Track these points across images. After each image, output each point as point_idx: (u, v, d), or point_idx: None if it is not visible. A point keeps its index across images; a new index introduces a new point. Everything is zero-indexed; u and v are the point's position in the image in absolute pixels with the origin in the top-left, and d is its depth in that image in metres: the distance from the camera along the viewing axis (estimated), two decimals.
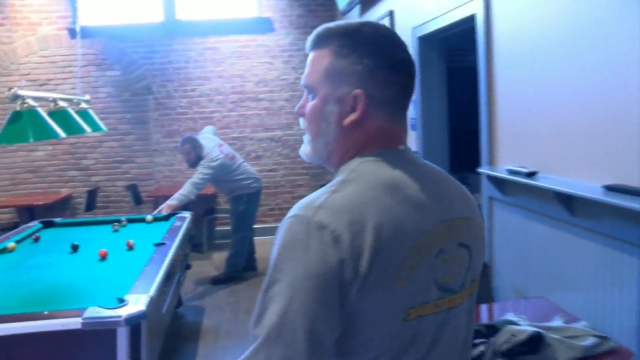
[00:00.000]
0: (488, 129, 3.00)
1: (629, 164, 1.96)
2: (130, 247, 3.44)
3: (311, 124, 1.07)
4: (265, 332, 0.87)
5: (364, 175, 0.98)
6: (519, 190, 2.71)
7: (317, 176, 7.19)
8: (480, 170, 2.94)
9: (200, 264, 5.94)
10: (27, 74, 6.60)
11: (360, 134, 1.02)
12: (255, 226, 5.66)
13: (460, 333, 1.04)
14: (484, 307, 2.63)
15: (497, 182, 2.86)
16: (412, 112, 4.22)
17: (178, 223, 4.04)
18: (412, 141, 4.26)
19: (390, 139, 1.04)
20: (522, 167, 2.56)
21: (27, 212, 6.33)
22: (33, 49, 6.62)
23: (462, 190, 1.09)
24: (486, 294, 2.83)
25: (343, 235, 0.88)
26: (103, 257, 3.22)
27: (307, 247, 0.88)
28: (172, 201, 4.73)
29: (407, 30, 4.14)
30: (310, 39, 1.08)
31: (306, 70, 1.08)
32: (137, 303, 2.32)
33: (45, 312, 2.26)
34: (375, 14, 5.07)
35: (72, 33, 6.36)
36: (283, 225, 0.93)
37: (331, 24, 1.05)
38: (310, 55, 1.08)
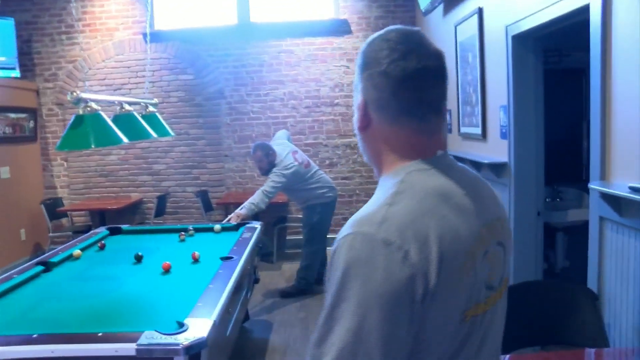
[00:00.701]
0: (601, 139, 2.56)
1: None
2: (196, 260, 3.22)
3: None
4: (336, 352, 0.88)
5: (414, 186, 1.00)
6: None
7: None
8: (592, 186, 2.51)
9: (269, 274, 5.72)
10: (103, 79, 6.63)
11: (382, 141, 1.07)
12: (328, 236, 5.38)
13: (500, 328, 1.10)
14: (591, 352, 2.22)
15: (613, 200, 2.43)
16: (504, 118, 3.81)
17: (247, 234, 3.80)
18: (503, 151, 3.84)
19: (422, 146, 1.05)
20: None
21: (99, 216, 6.33)
22: (109, 54, 6.64)
23: (492, 191, 1.14)
24: (597, 334, 2.39)
25: (410, 251, 0.89)
26: (166, 270, 3.01)
27: (374, 265, 0.89)
28: (242, 210, 4.51)
29: (499, 29, 3.74)
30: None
31: None
32: (198, 329, 2.06)
33: (100, 334, 2.06)
34: (460, 13, 4.68)
35: (147, 37, 6.33)
36: (342, 243, 0.92)
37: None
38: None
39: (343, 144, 6.76)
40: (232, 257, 3.13)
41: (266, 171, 4.86)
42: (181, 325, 2.10)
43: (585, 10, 2.63)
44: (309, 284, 5.10)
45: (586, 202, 4.51)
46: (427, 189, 0.99)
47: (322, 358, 0.88)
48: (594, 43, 2.56)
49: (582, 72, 4.56)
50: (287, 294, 5.03)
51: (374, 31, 6.24)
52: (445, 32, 5.19)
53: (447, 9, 5.12)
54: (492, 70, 4.01)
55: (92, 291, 2.71)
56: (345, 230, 0.95)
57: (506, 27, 3.61)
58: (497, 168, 3.89)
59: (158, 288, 2.77)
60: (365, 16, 6.60)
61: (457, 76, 4.88)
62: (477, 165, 4.29)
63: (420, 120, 1.03)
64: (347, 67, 6.64)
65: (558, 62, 4.76)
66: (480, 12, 4.14)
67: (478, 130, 4.38)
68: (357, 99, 1.09)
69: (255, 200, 4.63)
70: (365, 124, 1.08)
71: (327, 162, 6.73)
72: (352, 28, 6.61)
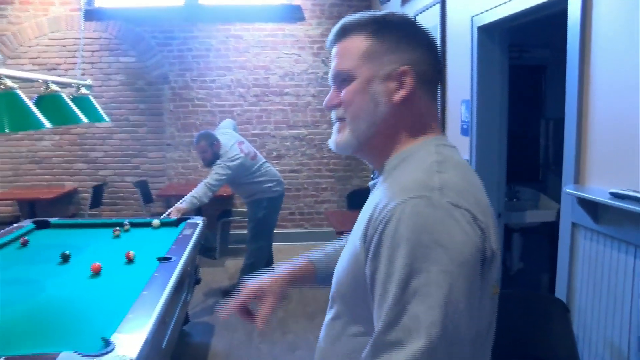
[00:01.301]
0: (577, 140, 2.40)
1: None
2: (130, 260, 2.88)
3: (353, 107, 1.04)
4: (425, 331, 0.79)
5: (451, 158, 0.99)
6: (625, 220, 2.10)
7: (344, 180, 6.63)
8: (567, 190, 2.34)
9: (211, 271, 5.41)
10: (36, 57, 6.10)
11: (410, 113, 1.03)
12: (274, 232, 5.13)
13: None
14: None
15: (590, 206, 2.26)
16: (466, 114, 3.63)
17: (188, 231, 3.48)
18: (464, 148, 3.66)
19: (436, 120, 1.08)
20: (637, 191, 1.96)
21: (29, 207, 5.83)
22: (43, 30, 6.10)
23: None
24: (568, 349, 2.22)
25: (477, 215, 0.88)
26: (96, 273, 2.67)
27: (450, 229, 0.84)
28: (182, 204, 4.18)
29: (464, 20, 3.54)
30: (334, 32, 1.09)
31: (335, 61, 1.08)
32: (127, 347, 1.76)
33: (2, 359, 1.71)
34: (421, 2, 4.47)
35: (87, 14, 5.86)
36: (401, 211, 0.86)
37: (353, 16, 1.07)
38: (337, 47, 1.08)
39: (292, 135, 6.49)
40: (170, 258, 2.81)
41: (210, 162, 4.54)
42: (107, 343, 1.78)
43: (561, 1, 2.44)
44: None
45: (544, 203, 4.41)
46: (459, 162, 1.01)
47: (407, 341, 0.80)
48: (572, 36, 2.38)
49: (543, 69, 4.44)
50: (230, 294, 4.72)
51: (328, 19, 6.01)
52: None
53: None
54: (455, 63, 3.82)
55: (7, 299, 2.34)
56: (397, 197, 0.88)
57: (472, 17, 3.42)
58: None
59: (84, 294, 2.42)
60: (319, 3, 6.33)
61: None
62: None
63: (434, 97, 1.08)
64: (299, 55, 6.36)
65: (518, 58, 4.62)
66: (443, 1, 3.94)
67: None
68: (382, 66, 1.02)
69: (197, 193, 4.31)
70: (406, 96, 1.02)
71: (275, 154, 6.45)
72: (305, 15, 6.33)
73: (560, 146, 4.57)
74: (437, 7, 4.00)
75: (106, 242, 3.37)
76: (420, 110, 1.05)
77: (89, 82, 3.44)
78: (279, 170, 6.30)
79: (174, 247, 3.08)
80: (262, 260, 4.85)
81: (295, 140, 6.52)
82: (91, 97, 3.26)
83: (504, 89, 3.45)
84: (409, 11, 4.77)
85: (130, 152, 6.30)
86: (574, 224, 2.42)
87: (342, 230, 4.10)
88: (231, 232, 6.42)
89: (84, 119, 2.84)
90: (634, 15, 2.06)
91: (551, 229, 4.44)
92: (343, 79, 1.06)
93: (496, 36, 3.36)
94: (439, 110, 4.09)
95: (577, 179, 2.42)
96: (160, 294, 2.25)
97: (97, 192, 5.97)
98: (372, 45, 1.03)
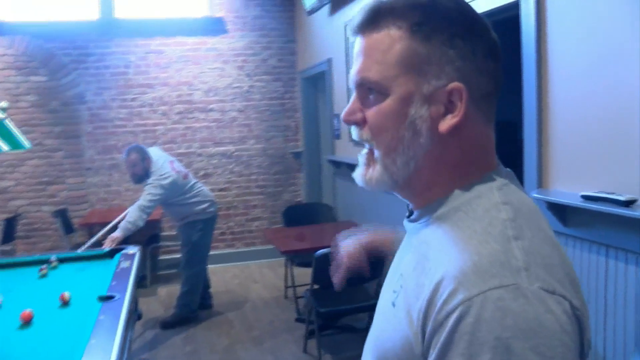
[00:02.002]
0: (537, 145, 2.37)
1: None
2: (66, 303, 2.57)
3: (385, 135, 0.78)
4: None
5: (520, 208, 0.75)
6: (595, 222, 2.09)
7: (274, 196, 6.46)
8: (536, 195, 2.30)
9: (145, 301, 5.06)
10: None
11: (460, 144, 0.77)
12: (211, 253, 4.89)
13: None
14: None
15: (558, 210, 2.24)
16: None
17: (126, 263, 3.19)
18: None
19: (492, 149, 0.81)
20: (609, 193, 1.94)
21: None
22: None
23: None
24: None
25: (574, 300, 0.67)
26: (27, 321, 2.34)
27: (548, 330, 0.63)
28: (118, 233, 3.89)
29: None
30: (362, 16, 0.79)
31: (360, 61, 0.80)
32: None
33: None
34: (351, 12, 4.41)
35: None
36: (484, 305, 0.63)
37: None
38: (364, 40, 0.79)
39: (218, 153, 6.25)
40: (113, 296, 2.54)
41: (139, 178, 4.28)
42: None
43: (513, 7, 2.42)
44: (192, 311, 4.56)
45: None
46: (530, 209, 0.76)
47: None
48: (527, 40, 2.35)
49: None
50: (169, 324, 4.44)
51: (251, 31, 5.81)
52: (333, 32, 4.91)
53: (335, 8, 4.84)
54: None
55: None
56: (471, 282, 0.65)
57: None
58: None
59: (16, 350, 2.11)
60: (242, 15, 6.16)
61: (348, 79, 4.60)
62: None
63: (489, 120, 0.80)
64: (222, 69, 6.15)
65: None
66: None
67: None
68: (430, 81, 0.75)
69: (131, 218, 4.03)
70: (461, 122, 0.75)
71: (202, 172, 6.19)
72: (227, 27, 6.13)
73: (508, 149, 4.68)
74: None
75: (32, 283, 3.01)
76: (474, 139, 0.78)
77: (5, 104, 3.09)
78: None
79: (113, 283, 2.79)
80: (199, 286, 4.61)
81: (222, 157, 6.28)
82: (8, 122, 2.92)
83: None
84: (338, 21, 4.70)
85: (45, 179, 5.81)
86: None
87: (287, 250, 3.93)
88: (160, 258, 6.08)
89: (4, 147, 2.52)
90: (586, 15, 2.05)
91: None
92: (371, 90, 0.79)
93: None
94: None
95: (541, 184, 2.39)
96: (112, 341, 1.99)
97: (9, 226, 5.45)
98: (411, 48, 0.75)
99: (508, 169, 0.83)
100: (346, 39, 4.55)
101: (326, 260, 3.34)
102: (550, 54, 2.28)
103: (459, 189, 0.78)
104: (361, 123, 0.81)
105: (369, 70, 0.78)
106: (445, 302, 0.67)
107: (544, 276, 0.66)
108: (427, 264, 0.75)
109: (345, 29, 4.54)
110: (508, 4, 2.39)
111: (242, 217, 6.43)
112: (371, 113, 0.79)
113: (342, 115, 0.84)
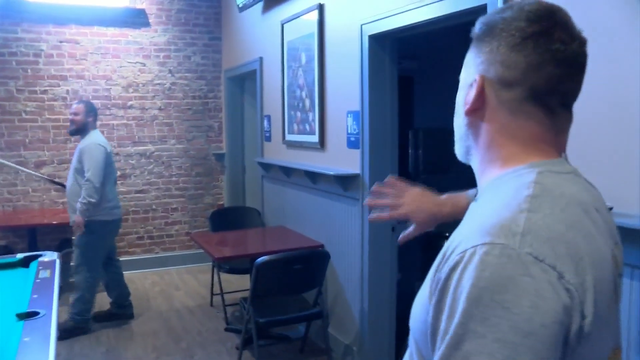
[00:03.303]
0: None
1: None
2: None
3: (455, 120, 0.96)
4: None
5: (552, 190, 0.79)
6: None
7: (195, 198, 6.18)
8: None
9: None
10: None
11: (493, 130, 0.87)
12: (120, 259, 4.57)
13: None
14: None
15: None
16: (354, 126, 3.46)
17: (46, 272, 2.82)
18: (352, 161, 3.49)
19: (547, 144, 0.86)
20: None
21: None
22: None
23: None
24: None
25: (565, 273, 0.70)
26: None
27: (520, 290, 0.67)
28: (80, 215, 3.91)
29: (353, 28, 3.38)
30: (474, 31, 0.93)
31: None
32: None
33: None
34: (289, 10, 4.25)
35: None
36: (469, 257, 0.70)
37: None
38: None
39: (137, 152, 5.88)
40: (37, 313, 2.22)
41: (73, 131, 4.24)
42: None
43: (481, 9, 2.35)
44: (85, 321, 4.18)
45: None
46: (567, 196, 0.80)
47: None
48: None
49: (410, 80, 4.46)
50: (62, 334, 4.02)
51: (174, 25, 5.50)
52: (268, 30, 4.73)
53: (269, 6, 4.66)
54: (338, 73, 3.64)
55: None
56: (471, 239, 0.73)
57: (362, 25, 3.26)
58: (345, 180, 3.52)
59: None
60: (166, 8, 5.84)
61: (283, 79, 4.44)
62: (313, 176, 3.90)
63: (549, 112, 0.85)
64: (143, 64, 5.80)
65: None
66: (320, 8, 3.75)
67: (314, 139, 3.98)
68: (469, 75, 0.91)
69: (85, 193, 3.92)
70: (478, 106, 0.88)
71: (119, 173, 5.77)
72: (150, 20, 5.79)
73: (430, 156, 4.70)
74: (314, 14, 3.80)
75: None
76: (513, 129, 0.86)
77: None
78: (124, 191, 5.75)
79: (34, 296, 2.44)
80: (92, 293, 4.21)
81: (141, 157, 5.92)
82: None
83: (394, 99, 3.35)
84: (274, 19, 4.54)
85: None
86: None
87: (223, 257, 3.71)
88: (72, 264, 5.60)
89: None
90: None
91: (424, 237, 4.47)
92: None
93: (387, 45, 3.25)
94: (317, 123, 3.89)
95: None
96: None
97: None
98: (469, 52, 0.93)
99: (567, 160, 0.90)
100: (282, 38, 4.38)
101: (267, 267, 3.17)
102: None
103: (503, 171, 0.85)
104: None
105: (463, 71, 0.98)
106: (449, 253, 0.74)
107: (538, 245, 0.70)
108: (453, 236, 0.80)
109: (282, 27, 4.36)
110: (476, 6, 2.32)
111: (161, 221, 6.08)
112: None
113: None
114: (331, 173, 3.56)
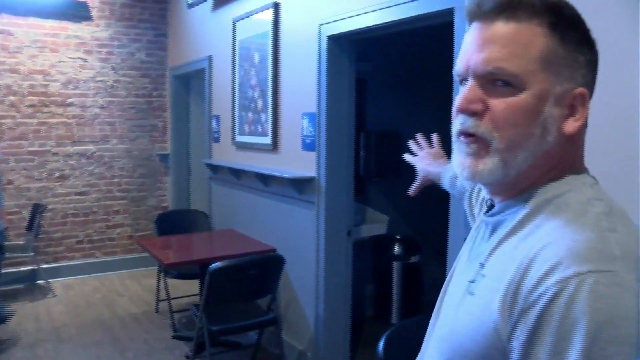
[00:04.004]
0: None
1: None
2: None
3: (511, 128, 0.77)
4: None
5: (613, 205, 0.77)
6: None
7: (138, 201, 5.98)
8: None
9: None
10: None
11: (573, 145, 0.82)
12: (58, 265, 4.32)
13: None
14: None
15: None
16: (309, 127, 3.39)
17: None
18: (307, 164, 3.42)
19: (583, 151, 0.86)
20: None
21: None
22: None
23: None
24: None
25: None
26: None
27: (636, 319, 0.63)
28: None
29: (310, 28, 3.31)
30: (494, 1, 0.78)
31: (491, 50, 0.77)
32: None
33: None
34: (242, 8, 4.14)
35: None
36: (579, 287, 0.64)
37: None
38: (493, 28, 0.78)
39: (77, 152, 5.62)
40: None
41: None
42: None
43: (447, 13, 2.33)
44: None
45: (371, 216, 4.39)
46: (622, 210, 0.79)
47: None
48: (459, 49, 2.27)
49: (364, 82, 4.43)
50: None
51: (118, 20, 5.29)
52: (219, 28, 4.60)
53: (220, 3, 4.53)
54: (293, 73, 3.56)
55: None
56: (566, 266, 0.67)
57: (320, 26, 3.20)
58: (300, 183, 3.45)
59: None
60: (109, 1, 5.60)
61: (234, 78, 4.33)
62: (265, 179, 3.81)
63: None
64: (85, 60, 5.54)
65: None
66: (276, 7, 3.66)
67: (266, 140, 3.89)
68: (563, 83, 0.78)
69: None
70: (580, 127, 0.81)
71: (57, 174, 5.53)
72: (92, 14, 5.54)
73: (382, 159, 4.68)
74: (269, 13, 3.71)
75: None
76: (581, 141, 0.84)
77: None
78: (63, 193, 5.46)
79: None
80: None
81: (81, 158, 5.65)
82: None
83: (352, 101, 3.30)
84: (225, 17, 4.42)
85: None
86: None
87: (172, 263, 3.56)
88: (4, 271, 5.29)
89: None
90: None
91: (374, 241, 4.46)
92: (503, 82, 0.77)
93: (346, 47, 3.20)
94: (270, 124, 3.80)
95: None
96: None
97: None
98: (552, 47, 0.77)
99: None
100: (234, 36, 4.26)
101: (221, 274, 3.05)
102: None
103: (552, 182, 0.81)
104: (481, 113, 0.79)
105: (508, 60, 0.76)
106: (537, 283, 0.68)
107: (638, 269, 0.67)
108: (515, 252, 0.76)
109: (234, 25, 4.25)
110: (443, 10, 2.30)
111: (102, 224, 5.83)
112: (499, 105, 0.78)
113: (460, 102, 0.80)
114: (285, 176, 3.47)
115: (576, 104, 0.80)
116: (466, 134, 0.81)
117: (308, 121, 3.40)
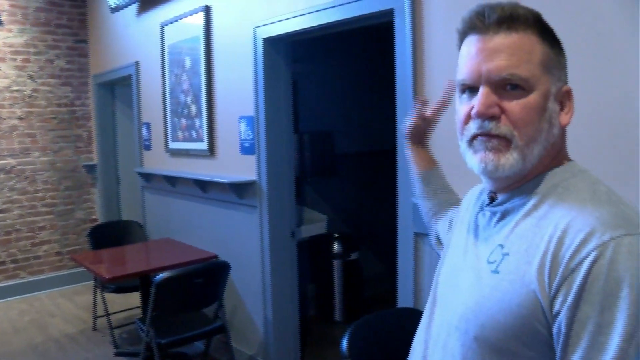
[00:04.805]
0: None
1: None
2: None
3: (528, 125, 0.89)
4: None
5: (606, 185, 0.91)
6: None
7: (65, 215, 5.74)
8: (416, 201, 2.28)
9: None
10: None
11: (563, 136, 0.97)
12: None
13: None
14: None
15: None
16: (247, 131, 3.36)
17: None
18: (247, 168, 3.39)
19: None
20: None
21: None
22: None
23: None
24: None
25: None
26: None
27: None
28: None
29: (246, 30, 3.28)
30: (496, 14, 0.89)
31: (502, 58, 0.88)
32: None
33: None
34: (171, 12, 4.05)
35: None
36: (619, 248, 0.74)
37: (516, 2, 0.91)
38: (504, 38, 0.89)
39: None
40: None
41: None
42: None
43: (388, 13, 2.37)
44: None
45: (310, 216, 4.40)
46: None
47: None
48: (404, 48, 2.31)
49: (295, 83, 4.43)
50: None
51: (33, 25, 5.07)
52: (145, 33, 4.47)
53: (146, 7, 4.41)
54: (228, 77, 3.52)
55: None
56: (601, 232, 0.77)
57: (255, 28, 3.17)
58: (241, 188, 3.42)
59: None
60: (21, 5, 5.31)
61: (164, 84, 4.23)
62: (203, 185, 3.75)
63: None
64: None
65: None
66: (207, 10, 3.60)
67: (202, 146, 3.82)
68: (557, 83, 0.92)
69: None
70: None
71: None
72: (2, 18, 5.22)
73: (317, 158, 4.70)
74: (200, 16, 3.64)
75: None
76: (565, 134, 0.98)
77: None
78: None
79: None
80: None
81: (0, 173, 5.34)
82: None
83: (289, 103, 3.30)
84: (154, 20, 4.30)
85: None
86: (416, 234, 2.37)
87: (114, 277, 3.43)
88: None
89: None
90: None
91: (313, 241, 4.48)
92: (512, 86, 0.89)
93: (282, 49, 3.19)
94: (205, 129, 3.74)
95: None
96: None
97: None
98: (547, 52, 0.91)
99: None
100: (162, 41, 4.16)
101: (167, 284, 2.97)
102: (427, 62, 2.28)
103: (555, 169, 0.94)
104: (498, 116, 0.89)
105: (518, 67, 0.88)
106: (576, 250, 0.78)
107: None
108: (538, 229, 0.86)
109: (162, 30, 4.14)
110: (383, 10, 2.34)
111: (26, 242, 5.53)
112: (515, 106, 0.89)
113: (479, 108, 0.89)
114: (225, 181, 3.43)
115: (565, 100, 0.94)
116: (488, 135, 0.91)
117: (246, 125, 3.37)
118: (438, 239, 1.44)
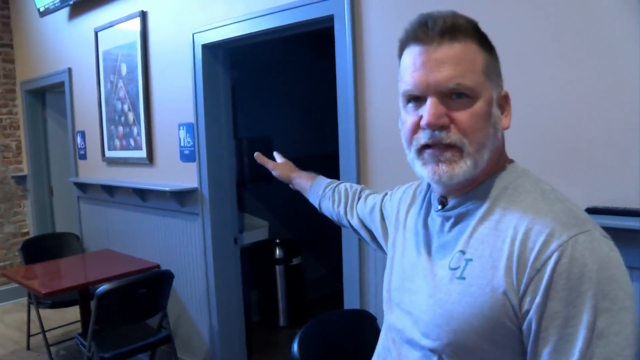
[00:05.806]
0: (356, 152, 2.39)
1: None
2: None
3: (477, 132, 0.92)
4: None
5: (547, 183, 0.97)
6: None
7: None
8: None
9: None
10: None
11: (503, 138, 1.00)
12: None
13: None
14: None
15: None
16: (187, 138, 3.33)
17: None
18: (188, 175, 3.36)
19: None
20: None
21: None
22: None
23: None
24: None
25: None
26: None
27: (618, 263, 0.84)
28: None
29: (184, 36, 3.25)
30: (441, 25, 0.91)
31: (448, 68, 0.90)
32: None
33: None
34: (105, 17, 3.95)
35: None
36: (575, 247, 0.82)
37: (454, 12, 0.93)
38: (447, 49, 0.91)
39: None
40: None
41: None
42: None
43: (329, 19, 2.41)
44: None
45: (251, 222, 4.39)
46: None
47: None
48: (341, 53, 2.36)
49: (232, 90, 4.42)
50: None
51: None
52: (78, 38, 4.35)
53: (78, 11, 4.29)
54: (166, 84, 3.48)
55: None
56: (559, 233, 0.84)
57: (193, 34, 3.15)
58: (183, 196, 3.38)
59: None
60: None
61: (100, 91, 4.13)
62: (142, 194, 3.69)
63: None
64: None
65: None
66: (143, 16, 3.55)
67: (141, 154, 3.76)
68: (491, 86, 0.95)
69: None
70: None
71: None
72: None
73: (255, 164, 4.67)
74: (136, 22, 3.58)
75: None
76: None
77: None
78: None
79: None
80: None
81: None
82: None
83: (228, 109, 3.30)
84: (87, 25, 4.20)
85: None
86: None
87: (52, 291, 3.31)
88: None
89: None
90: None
91: (256, 247, 4.47)
92: (457, 95, 0.91)
93: (220, 55, 3.19)
94: (144, 137, 3.68)
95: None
96: None
97: None
98: (487, 60, 0.94)
99: None
100: (97, 47, 4.06)
101: (109, 296, 2.90)
102: (367, 66, 2.34)
103: (502, 172, 0.98)
104: (447, 125, 0.91)
105: (464, 77, 0.90)
106: (539, 252, 0.83)
107: (598, 227, 0.88)
108: (497, 233, 0.91)
109: (96, 35, 4.04)
110: (323, 17, 2.38)
111: None
112: (463, 115, 0.91)
113: (429, 119, 0.91)
114: (166, 189, 3.38)
115: (504, 104, 0.99)
116: (439, 145, 0.93)
117: (185, 132, 3.34)
118: (362, 222, 1.44)
